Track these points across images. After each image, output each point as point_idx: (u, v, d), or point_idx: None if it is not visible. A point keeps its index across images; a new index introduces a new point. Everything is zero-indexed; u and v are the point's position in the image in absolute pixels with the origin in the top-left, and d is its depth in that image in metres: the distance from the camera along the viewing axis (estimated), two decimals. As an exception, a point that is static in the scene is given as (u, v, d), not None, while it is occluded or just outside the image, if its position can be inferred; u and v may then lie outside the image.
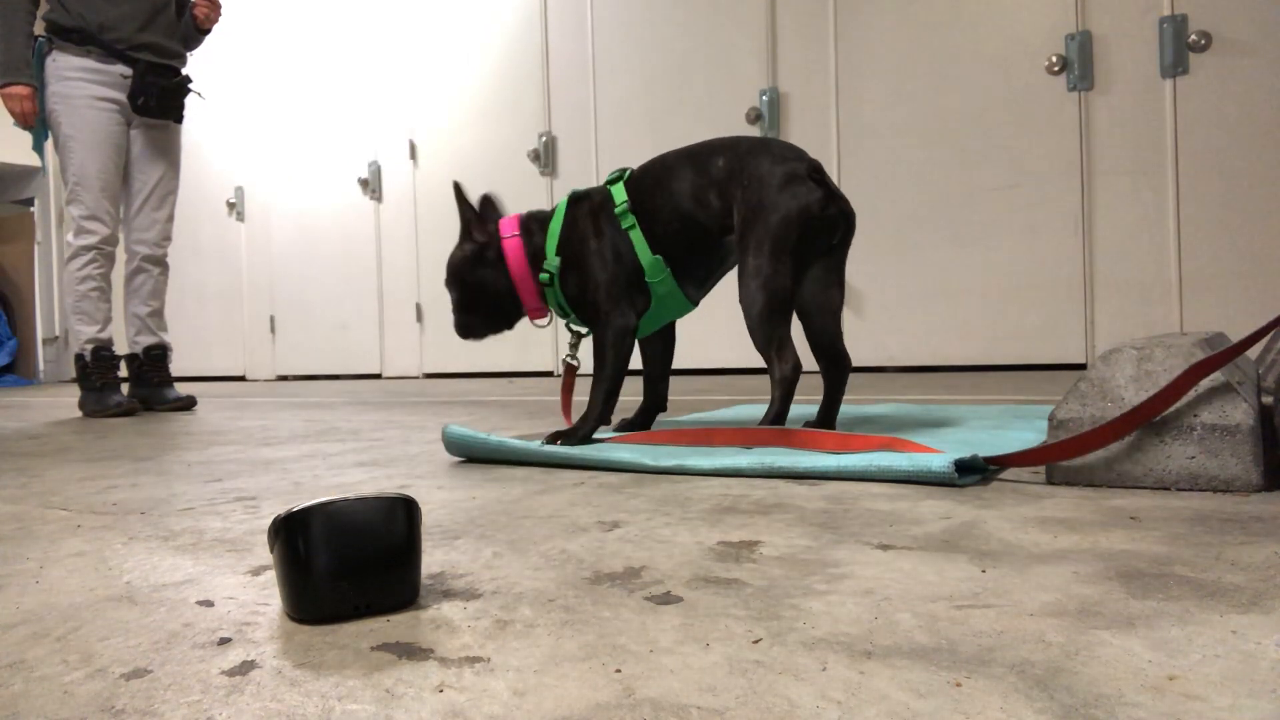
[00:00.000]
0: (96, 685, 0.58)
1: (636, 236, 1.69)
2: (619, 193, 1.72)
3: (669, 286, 1.71)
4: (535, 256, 1.75)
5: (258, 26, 6.20)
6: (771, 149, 1.64)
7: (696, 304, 1.79)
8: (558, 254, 1.73)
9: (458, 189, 1.80)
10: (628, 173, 1.77)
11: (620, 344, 1.68)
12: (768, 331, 1.56)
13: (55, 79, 3.12)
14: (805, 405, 2.01)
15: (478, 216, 1.79)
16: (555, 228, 1.75)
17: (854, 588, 0.73)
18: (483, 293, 1.78)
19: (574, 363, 1.83)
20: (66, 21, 3.11)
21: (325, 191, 6.00)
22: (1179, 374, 1.05)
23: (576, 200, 1.78)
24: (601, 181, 1.90)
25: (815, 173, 1.59)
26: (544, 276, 1.74)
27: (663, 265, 1.69)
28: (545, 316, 1.82)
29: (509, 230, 1.77)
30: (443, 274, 5.43)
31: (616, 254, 1.70)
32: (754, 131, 4.37)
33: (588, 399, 1.70)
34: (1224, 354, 1.04)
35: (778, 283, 1.55)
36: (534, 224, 1.78)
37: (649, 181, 1.72)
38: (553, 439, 1.59)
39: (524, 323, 1.86)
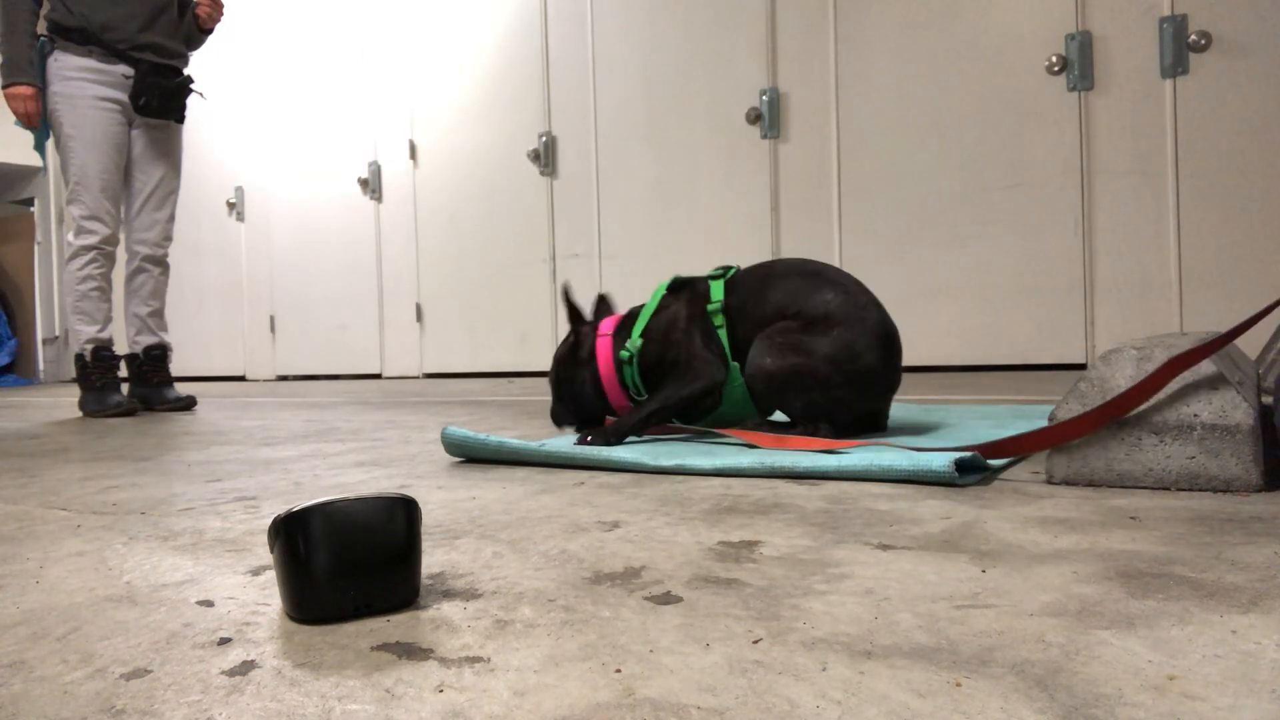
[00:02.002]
0: (96, 685, 0.58)
1: (723, 336, 1.68)
2: (717, 290, 1.70)
3: (741, 392, 1.68)
4: (618, 343, 1.78)
5: (258, 26, 6.20)
6: (880, 314, 1.61)
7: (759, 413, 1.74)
8: (641, 335, 1.74)
9: (565, 293, 1.86)
10: (732, 271, 1.75)
11: (698, 387, 1.65)
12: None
13: (57, 79, 3.12)
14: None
15: (578, 316, 1.84)
16: (647, 310, 1.76)
17: (854, 588, 0.73)
18: (575, 389, 1.80)
19: None
20: (69, 21, 3.11)
21: (325, 191, 5.99)
22: (1159, 365, 1.05)
23: (676, 287, 1.79)
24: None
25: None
26: (624, 354, 1.73)
27: (739, 372, 1.66)
28: None
29: (607, 328, 1.80)
30: (445, 274, 5.45)
31: (706, 335, 1.69)
32: (754, 131, 4.37)
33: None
34: (1204, 348, 1.04)
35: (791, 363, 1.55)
36: (629, 321, 1.80)
37: (750, 284, 1.69)
38: (583, 440, 1.61)
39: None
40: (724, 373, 1.66)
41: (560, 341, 1.91)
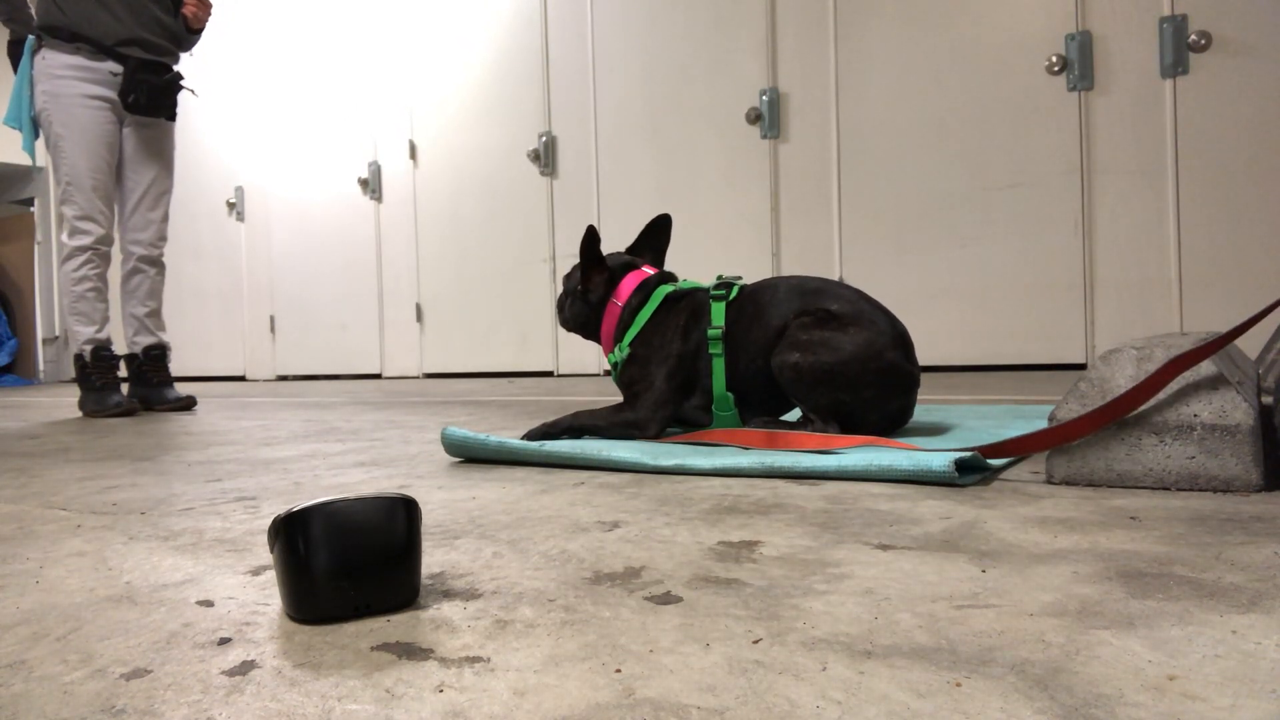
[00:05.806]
0: (96, 685, 0.58)
1: (719, 366, 1.67)
2: (719, 315, 1.68)
3: (732, 419, 1.69)
4: (621, 329, 1.80)
5: (257, 26, 6.20)
6: (888, 314, 1.62)
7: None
8: (630, 346, 1.75)
9: (591, 233, 1.80)
10: (735, 290, 1.71)
11: (625, 426, 1.68)
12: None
13: (45, 77, 3.10)
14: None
15: (600, 268, 1.84)
16: (640, 320, 1.76)
17: (854, 588, 0.73)
18: (581, 320, 1.91)
19: None
20: (57, 20, 3.10)
21: (325, 191, 5.99)
22: (1159, 365, 1.05)
23: (673, 300, 1.77)
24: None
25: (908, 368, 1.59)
26: (610, 358, 1.80)
27: (732, 402, 1.67)
28: None
29: (622, 295, 1.80)
30: (445, 274, 5.45)
31: (686, 376, 1.69)
32: (754, 131, 4.37)
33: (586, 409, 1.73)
34: (1204, 348, 1.04)
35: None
36: (636, 299, 1.80)
37: (750, 310, 1.67)
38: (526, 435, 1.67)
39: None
40: (657, 429, 1.68)
41: (570, 272, 1.91)
